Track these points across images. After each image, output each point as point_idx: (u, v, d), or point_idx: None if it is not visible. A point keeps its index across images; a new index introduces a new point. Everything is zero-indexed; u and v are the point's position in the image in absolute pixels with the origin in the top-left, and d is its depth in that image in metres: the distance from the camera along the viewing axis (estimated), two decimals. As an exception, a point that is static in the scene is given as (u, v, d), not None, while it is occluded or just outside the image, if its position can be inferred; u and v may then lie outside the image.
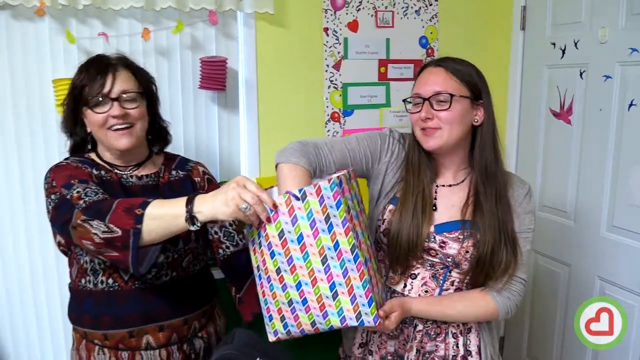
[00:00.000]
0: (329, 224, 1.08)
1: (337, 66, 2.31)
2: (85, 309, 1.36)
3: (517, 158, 2.56)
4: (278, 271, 1.13)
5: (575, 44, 2.18)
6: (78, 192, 1.24)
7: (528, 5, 2.45)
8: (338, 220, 1.08)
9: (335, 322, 1.13)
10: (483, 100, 1.30)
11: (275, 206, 1.09)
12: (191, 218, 1.11)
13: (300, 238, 1.09)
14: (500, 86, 2.54)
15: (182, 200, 1.14)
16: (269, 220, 1.10)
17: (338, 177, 1.09)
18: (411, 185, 1.33)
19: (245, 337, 1.15)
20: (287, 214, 1.09)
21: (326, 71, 2.30)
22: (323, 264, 1.09)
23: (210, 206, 1.10)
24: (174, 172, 1.48)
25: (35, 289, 2.01)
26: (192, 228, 1.13)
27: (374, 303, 1.10)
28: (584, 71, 2.15)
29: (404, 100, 1.35)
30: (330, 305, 1.11)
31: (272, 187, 1.26)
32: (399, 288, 1.36)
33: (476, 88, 1.30)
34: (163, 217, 1.14)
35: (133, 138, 1.36)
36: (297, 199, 1.08)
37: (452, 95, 1.26)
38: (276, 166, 1.24)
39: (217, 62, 2.06)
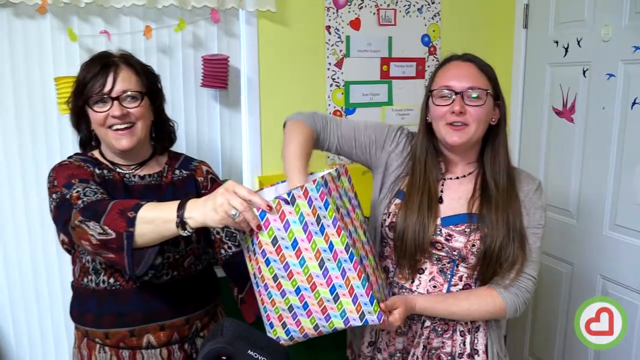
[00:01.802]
0: (320, 225, 1.06)
1: (339, 64, 2.31)
2: (87, 308, 1.36)
3: (520, 156, 2.55)
4: (275, 278, 1.11)
5: (578, 42, 2.17)
6: (77, 191, 1.24)
7: (531, 3, 2.45)
8: (328, 220, 1.06)
9: (339, 324, 1.12)
10: (500, 100, 1.32)
11: (269, 207, 1.05)
12: (182, 223, 1.09)
13: (295, 243, 1.07)
14: (502, 84, 2.47)
15: (174, 205, 1.11)
16: (259, 227, 1.07)
17: (323, 177, 1.08)
18: (417, 183, 1.33)
19: (235, 328, 1.09)
20: (278, 220, 1.06)
21: (328, 69, 2.29)
22: (321, 268, 1.08)
23: (201, 212, 1.07)
24: (177, 172, 1.47)
25: (37, 287, 2.02)
26: (184, 234, 1.10)
27: (375, 300, 1.10)
28: (587, 69, 2.14)
29: (430, 91, 1.31)
30: (332, 308, 1.10)
31: (276, 183, 1.26)
32: (407, 284, 1.35)
33: (498, 88, 1.32)
34: (154, 221, 1.12)
35: (134, 138, 1.34)
36: (287, 202, 1.05)
37: (487, 91, 1.26)
38: (284, 126, 1.33)
39: (219, 60, 2.06)
